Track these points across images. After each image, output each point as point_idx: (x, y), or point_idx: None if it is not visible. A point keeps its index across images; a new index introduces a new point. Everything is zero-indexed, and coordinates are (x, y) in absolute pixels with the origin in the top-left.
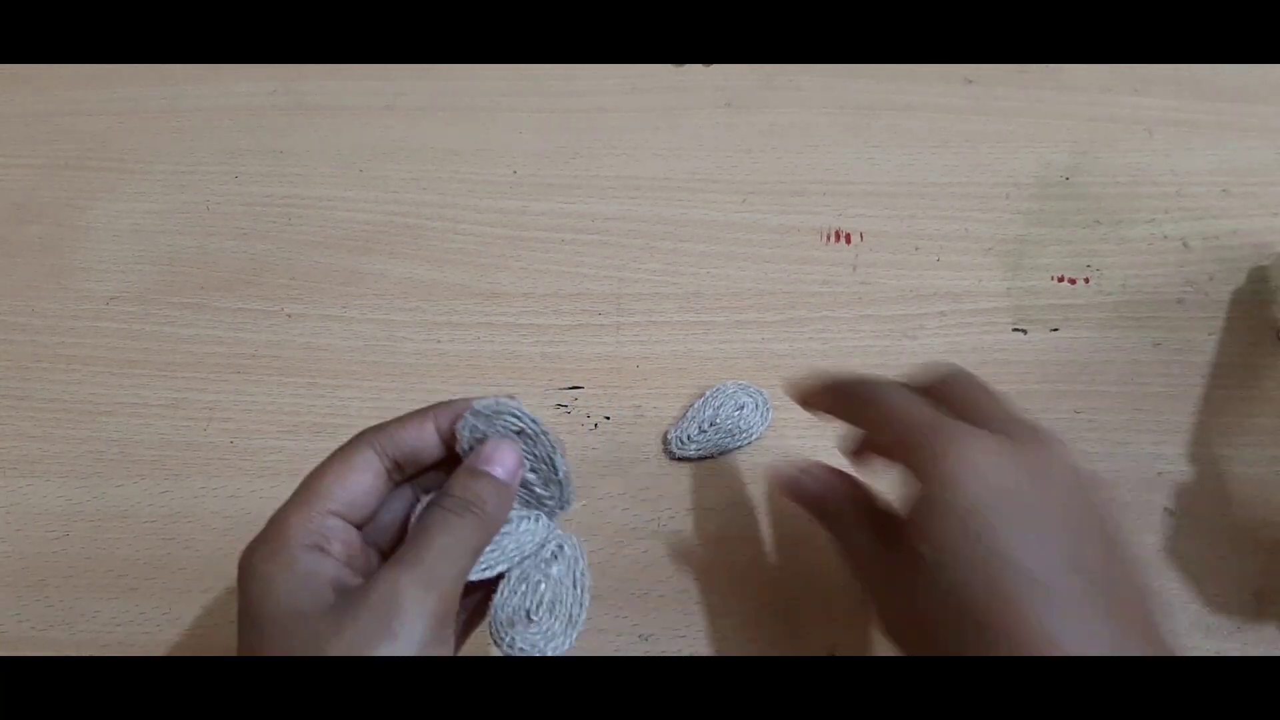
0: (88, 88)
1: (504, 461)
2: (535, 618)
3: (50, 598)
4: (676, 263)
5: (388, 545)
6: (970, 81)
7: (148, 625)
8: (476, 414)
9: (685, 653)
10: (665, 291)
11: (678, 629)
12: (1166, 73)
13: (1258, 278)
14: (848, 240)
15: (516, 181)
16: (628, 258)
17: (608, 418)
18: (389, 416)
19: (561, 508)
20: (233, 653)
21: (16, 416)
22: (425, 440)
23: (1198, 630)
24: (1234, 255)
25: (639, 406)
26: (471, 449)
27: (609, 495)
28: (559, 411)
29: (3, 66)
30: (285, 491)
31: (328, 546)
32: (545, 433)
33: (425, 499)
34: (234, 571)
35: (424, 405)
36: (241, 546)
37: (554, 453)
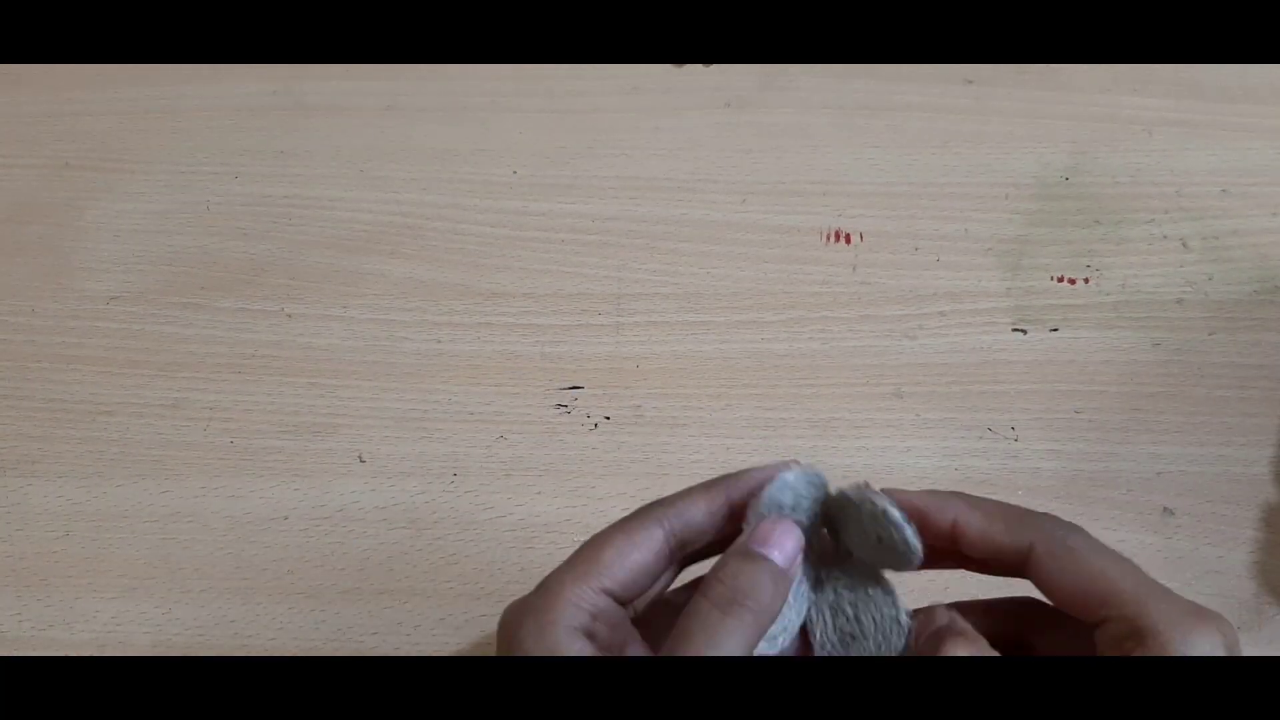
0: (88, 88)
1: (783, 544)
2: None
3: (50, 598)
4: (676, 263)
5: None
6: (970, 81)
7: (148, 625)
8: (784, 488)
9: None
10: (665, 291)
11: None
12: (1166, 73)
13: (1257, 278)
14: (848, 240)
15: (516, 181)
16: (628, 258)
17: (608, 418)
18: (389, 416)
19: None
20: (230, 651)
21: (16, 416)
22: (715, 516)
23: None
24: (1234, 255)
25: (639, 406)
26: None
27: (609, 495)
28: (559, 411)
29: (3, 66)
30: (286, 491)
31: (594, 630)
32: (872, 496)
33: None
34: (234, 571)
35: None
36: (242, 546)
37: (889, 509)
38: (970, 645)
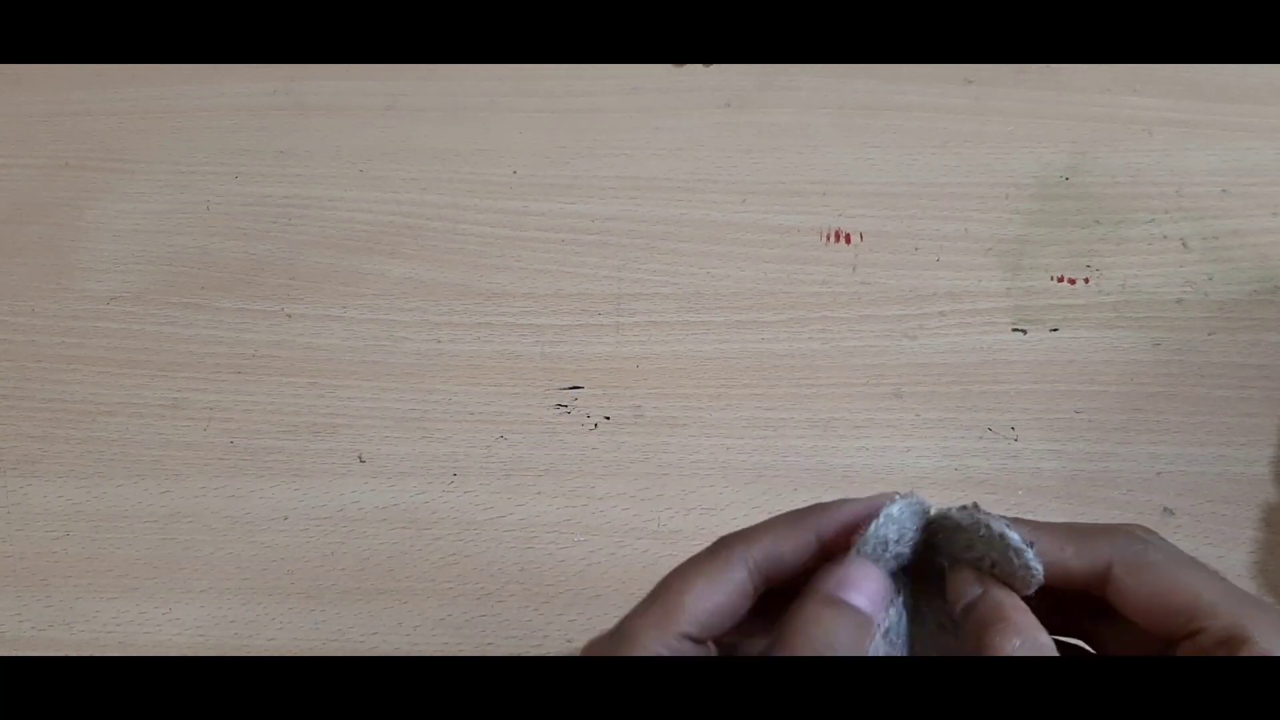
0: (88, 88)
1: (864, 587)
2: None
3: (50, 598)
4: (676, 263)
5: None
6: (970, 81)
7: (148, 625)
8: (890, 523)
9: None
10: (665, 291)
11: None
12: (1166, 73)
13: (1257, 278)
14: (848, 240)
15: (516, 181)
16: (628, 258)
17: (608, 418)
18: (389, 416)
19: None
20: (230, 651)
21: (16, 416)
22: (803, 553)
23: None
24: (1234, 255)
25: (639, 406)
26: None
27: (609, 495)
28: (559, 411)
29: (3, 66)
30: (286, 492)
31: None
32: (987, 520)
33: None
34: (234, 571)
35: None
36: (242, 547)
37: (1006, 532)
38: (1021, 637)
